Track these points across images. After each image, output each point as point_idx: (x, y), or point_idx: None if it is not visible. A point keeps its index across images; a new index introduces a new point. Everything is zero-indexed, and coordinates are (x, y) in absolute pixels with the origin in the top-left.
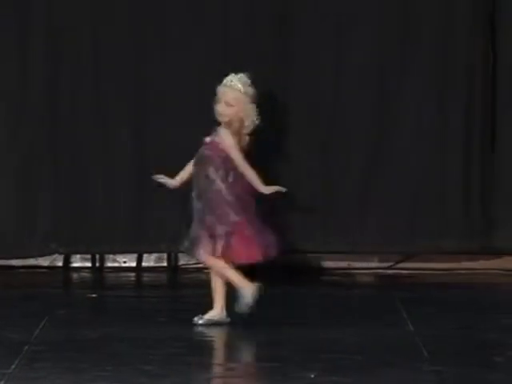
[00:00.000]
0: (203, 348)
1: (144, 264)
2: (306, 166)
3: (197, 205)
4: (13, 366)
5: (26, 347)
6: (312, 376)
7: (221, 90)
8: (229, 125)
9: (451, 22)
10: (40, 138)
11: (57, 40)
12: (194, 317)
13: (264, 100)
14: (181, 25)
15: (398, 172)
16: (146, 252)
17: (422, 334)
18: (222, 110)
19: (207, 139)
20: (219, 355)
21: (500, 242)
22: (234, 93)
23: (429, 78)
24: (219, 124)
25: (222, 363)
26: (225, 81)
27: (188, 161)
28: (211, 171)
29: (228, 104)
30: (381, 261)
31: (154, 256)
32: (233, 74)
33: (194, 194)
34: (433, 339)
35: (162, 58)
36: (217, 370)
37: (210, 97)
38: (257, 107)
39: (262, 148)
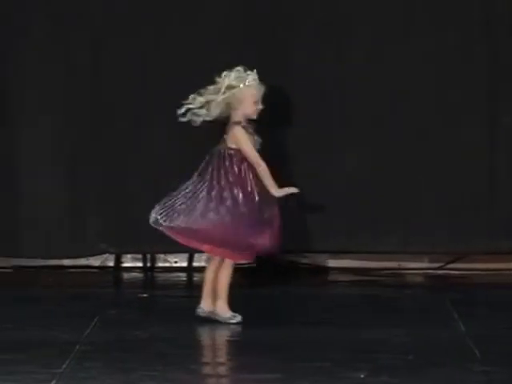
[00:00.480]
0: (252, 348)
1: (195, 264)
2: (356, 166)
3: None
4: (64, 366)
5: (77, 347)
6: (362, 376)
7: (258, 89)
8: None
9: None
10: (89, 139)
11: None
12: (243, 316)
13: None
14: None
15: (448, 173)
16: (197, 252)
17: (472, 334)
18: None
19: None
20: (268, 356)
21: None
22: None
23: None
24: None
25: (270, 364)
26: (257, 79)
27: None
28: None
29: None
30: (431, 261)
31: (204, 256)
32: (249, 71)
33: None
34: (483, 340)
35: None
36: (266, 370)
37: None
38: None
39: (298, 148)
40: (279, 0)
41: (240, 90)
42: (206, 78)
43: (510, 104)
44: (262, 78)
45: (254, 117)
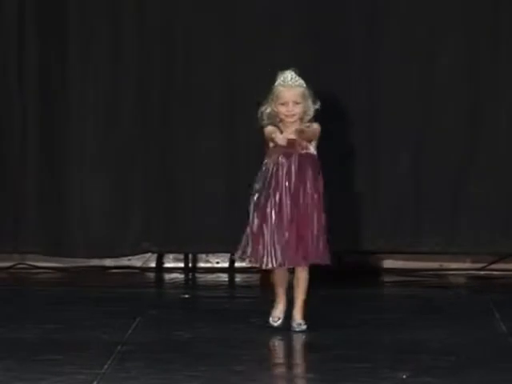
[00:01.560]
0: (293, 349)
1: (236, 265)
2: (396, 165)
3: None
4: (105, 367)
5: (119, 347)
6: (404, 377)
7: (285, 90)
8: (297, 122)
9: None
10: (132, 139)
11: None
12: (285, 318)
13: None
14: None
15: (493, 172)
16: None
17: None
18: (292, 110)
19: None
20: (308, 357)
21: None
22: (300, 90)
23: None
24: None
25: (312, 364)
26: (285, 81)
27: None
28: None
29: (296, 103)
30: (473, 262)
31: None
32: (288, 71)
33: None
34: None
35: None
36: (307, 371)
37: None
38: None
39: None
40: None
41: (273, 89)
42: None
43: None
44: (308, 80)
45: (287, 119)
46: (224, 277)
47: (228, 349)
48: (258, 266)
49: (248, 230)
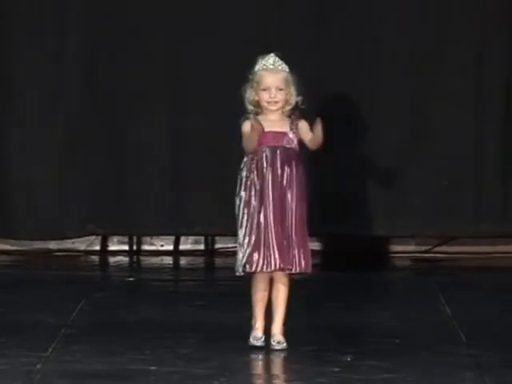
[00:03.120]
0: (240, 332)
1: (181, 247)
2: (347, 153)
3: None
4: (50, 349)
5: (63, 330)
6: (348, 359)
7: (266, 74)
8: (279, 111)
9: (486, 31)
10: (78, 122)
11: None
12: (231, 300)
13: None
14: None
15: (437, 158)
16: (183, 235)
17: (459, 317)
18: (275, 96)
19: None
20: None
21: None
22: (283, 74)
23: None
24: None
25: (258, 347)
26: (267, 65)
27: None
28: None
29: (278, 88)
30: (418, 245)
31: (190, 239)
32: (269, 56)
33: None
34: (470, 323)
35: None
36: (253, 353)
37: None
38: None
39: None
40: None
41: (253, 74)
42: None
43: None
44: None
45: (269, 107)
46: (169, 259)
47: (173, 331)
48: (256, 271)
49: (241, 239)
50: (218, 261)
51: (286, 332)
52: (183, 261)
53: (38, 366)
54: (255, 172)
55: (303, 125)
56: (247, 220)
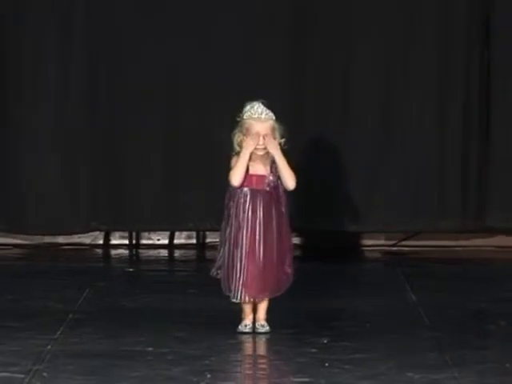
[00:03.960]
0: (228, 317)
1: (175, 241)
2: (318, 152)
3: None
4: (58, 332)
5: (70, 315)
6: (325, 341)
7: (255, 123)
8: (265, 156)
9: (449, 25)
10: (81, 125)
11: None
12: (220, 289)
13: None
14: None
15: (402, 159)
16: (177, 230)
17: (423, 304)
18: (263, 143)
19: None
20: (238, 323)
21: (493, 223)
22: (270, 123)
23: (431, 78)
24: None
25: (245, 332)
26: (256, 114)
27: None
28: None
29: (266, 136)
30: (386, 239)
31: (184, 234)
32: (257, 105)
33: None
34: (433, 309)
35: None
36: (240, 336)
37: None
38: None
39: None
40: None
41: (242, 122)
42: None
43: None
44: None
45: (257, 152)
46: (164, 252)
47: (168, 317)
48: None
49: (222, 258)
50: (208, 253)
51: (269, 317)
52: (177, 253)
53: (48, 347)
54: (237, 208)
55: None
56: (228, 247)
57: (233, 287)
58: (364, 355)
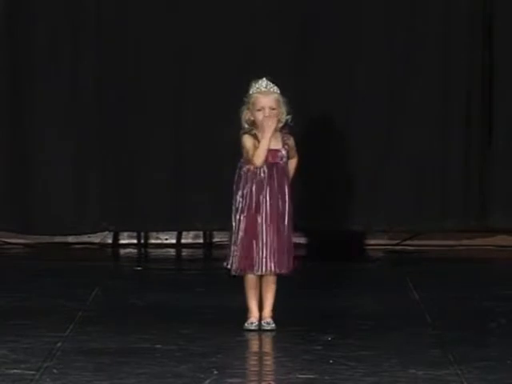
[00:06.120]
0: (235, 315)
1: (183, 241)
2: (320, 152)
3: None
4: (68, 330)
5: (80, 313)
6: (329, 339)
7: (260, 96)
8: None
9: (451, 25)
10: (91, 125)
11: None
12: (227, 288)
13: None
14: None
15: (405, 159)
16: (185, 230)
17: (425, 302)
18: (269, 115)
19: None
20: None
21: (494, 223)
22: (275, 96)
23: (433, 79)
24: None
25: (251, 330)
26: (261, 88)
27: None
28: None
29: (271, 108)
30: (389, 238)
31: (191, 234)
32: (262, 80)
33: None
34: (435, 307)
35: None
36: (246, 334)
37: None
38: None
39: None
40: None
41: (249, 97)
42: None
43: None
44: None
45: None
46: (172, 251)
47: (176, 314)
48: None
49: (235, 238)
50: (215, 252)
51: (275, 315)
52: (185, 252)
53: (58, 344)
54: (254, 184)
55: (291, 142)
56: (239, 224)
57: (256, 260)
58: (368, 352)
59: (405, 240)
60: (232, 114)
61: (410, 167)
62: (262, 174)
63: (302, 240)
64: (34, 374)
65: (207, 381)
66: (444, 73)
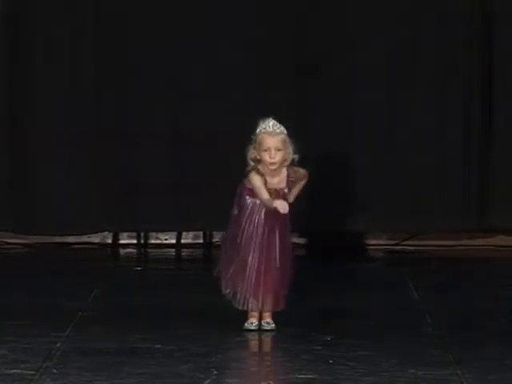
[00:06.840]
0: (234, 315)
1: (183, 241)
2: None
3: None
4: (68, 330)
5: (80, 313)
6: (329, 339)
7: (267, 137)
8: (278, 169)
9: (451, 26)
10: (91, 125)
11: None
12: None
13: None
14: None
15: (404, 159)
16: (184, 230)
17: (425, 302)
18: (274, 157)
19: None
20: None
21: (494, 223)
22: (282, 137)
23: (433, 79)
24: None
25: (251, 330)
26: (268, 128)
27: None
28: None
29: (277, 149)
30: (389, 238)
31: (191, 234)
32: (269, 120)
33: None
34: (435, 306)
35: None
36: (246, 334)
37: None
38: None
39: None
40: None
41: (255, 136)
42: None
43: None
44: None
45: (270, 167)
46: (172, 252)
47: (175, 314)
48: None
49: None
50: (215, 253)
51: (274, 315)
52: (184, 253)
53: (58, 344)
54: (252, 218)
55: (296, 175)
56: (233, 254)
57: (240, 296)
58: (367, 352)
59: (405, 240)
60: (232, 114)
61: (409, 167)
62: (262, 214)
63: (301, 240)
64: (33, 374)
65: (207, 381)
66: (444, 73)
